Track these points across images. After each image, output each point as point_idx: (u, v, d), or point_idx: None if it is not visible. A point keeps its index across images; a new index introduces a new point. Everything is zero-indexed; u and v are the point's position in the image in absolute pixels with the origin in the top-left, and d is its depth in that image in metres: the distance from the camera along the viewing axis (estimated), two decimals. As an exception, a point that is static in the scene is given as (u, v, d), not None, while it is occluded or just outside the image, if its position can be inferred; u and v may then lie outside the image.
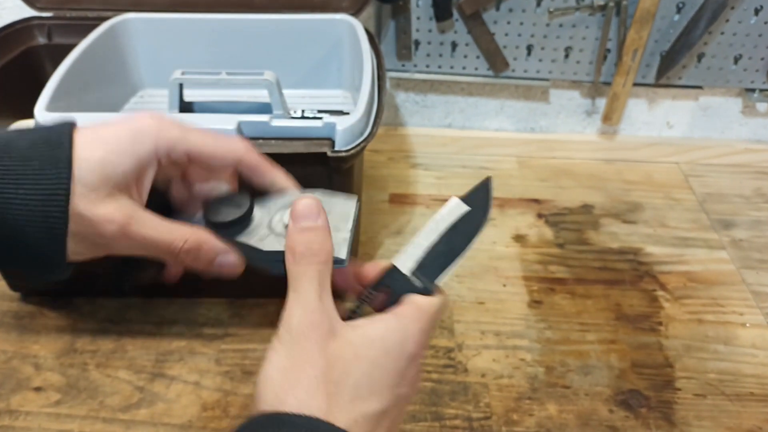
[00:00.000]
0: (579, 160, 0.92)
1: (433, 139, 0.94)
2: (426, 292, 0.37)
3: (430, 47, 0.86)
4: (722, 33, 0.83)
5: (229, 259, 0.36)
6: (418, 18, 0.83)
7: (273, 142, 0.55)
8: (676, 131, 0.95)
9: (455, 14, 0.83)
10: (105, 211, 0.32)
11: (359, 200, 0.39)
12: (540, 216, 0.81)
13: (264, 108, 0.64)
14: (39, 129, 0.32)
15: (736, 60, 0.85)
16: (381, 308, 0.37)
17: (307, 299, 0.33)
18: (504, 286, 0.71)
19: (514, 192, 0.85)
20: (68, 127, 0.32)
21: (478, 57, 0.87)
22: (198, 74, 0.63)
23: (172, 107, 0.64)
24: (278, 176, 0.38)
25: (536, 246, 0.77)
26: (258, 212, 0.37)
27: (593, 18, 0.82)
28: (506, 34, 0.84)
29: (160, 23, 0.74)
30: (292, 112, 0.69)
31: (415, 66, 0.88)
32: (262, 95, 0.63)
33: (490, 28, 0.84)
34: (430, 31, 0.84)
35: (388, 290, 0.37)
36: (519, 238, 0.78)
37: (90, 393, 0.58)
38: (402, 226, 0.79)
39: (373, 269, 0.38)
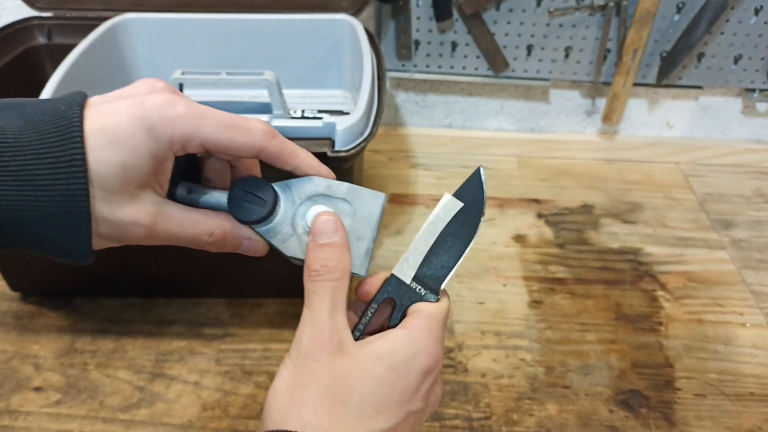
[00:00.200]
0: (579, 160, 0.92)
1: (433, 139, 0.94)
2: (431, 298, 0.36)
3: (430, 47, 0.86)
4: (722, 33, 0.83)
5: (254, 245, 0.36)
6: (418, 18, 0.83)
7: (273, 142, 0.55)
8: (676, 131, 0.95)
9: (455, 14, 0.83)
10: (130, 214, 0.32)
11: (387, 198, 0.37)
12: (540, 216, 0.81)
13: (264, 108, 0.64)
14: (45, 113, 0.31)
15: (736, 60, 0.85)
16: (388, 321, 0.36)
17: (318, 316, 0.33)
18: (504, 286, 0.71)
19: (514, 192, 0.85)
20: (77, 112, 0.31)
21: (478, 57, 0.87)
22: (198, 74, 0.63)
23: (172, 107, 0.64)
24: (302, 161, 0.37)
25: (536, 246, 0.77)
26: (282, 201, 0.36)
27: (593, 18, 0.82)
28: (506, 34, 0.84)
29: (160, 23, 0.74)
30: (292, 112, 0.69)
31: (415, 66, 0.88)
32: (262, 95, 0.63)
33: (490, 28, 0.84)
34: (430, 31, 0.84)
35: (393, 302, 0.36)
36: (519, 238, 0.78)
37: (90, 393, 0.58)
38: (402, 226, 0.79)
39: (373, 283, 0.37)
